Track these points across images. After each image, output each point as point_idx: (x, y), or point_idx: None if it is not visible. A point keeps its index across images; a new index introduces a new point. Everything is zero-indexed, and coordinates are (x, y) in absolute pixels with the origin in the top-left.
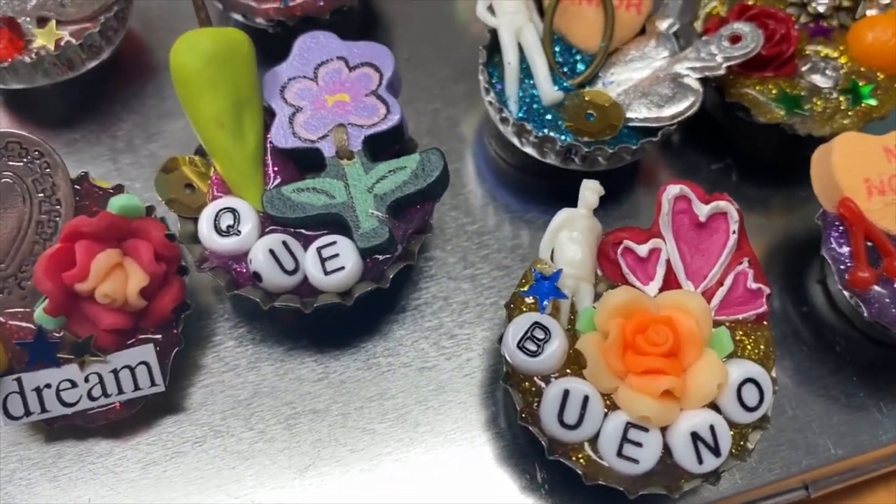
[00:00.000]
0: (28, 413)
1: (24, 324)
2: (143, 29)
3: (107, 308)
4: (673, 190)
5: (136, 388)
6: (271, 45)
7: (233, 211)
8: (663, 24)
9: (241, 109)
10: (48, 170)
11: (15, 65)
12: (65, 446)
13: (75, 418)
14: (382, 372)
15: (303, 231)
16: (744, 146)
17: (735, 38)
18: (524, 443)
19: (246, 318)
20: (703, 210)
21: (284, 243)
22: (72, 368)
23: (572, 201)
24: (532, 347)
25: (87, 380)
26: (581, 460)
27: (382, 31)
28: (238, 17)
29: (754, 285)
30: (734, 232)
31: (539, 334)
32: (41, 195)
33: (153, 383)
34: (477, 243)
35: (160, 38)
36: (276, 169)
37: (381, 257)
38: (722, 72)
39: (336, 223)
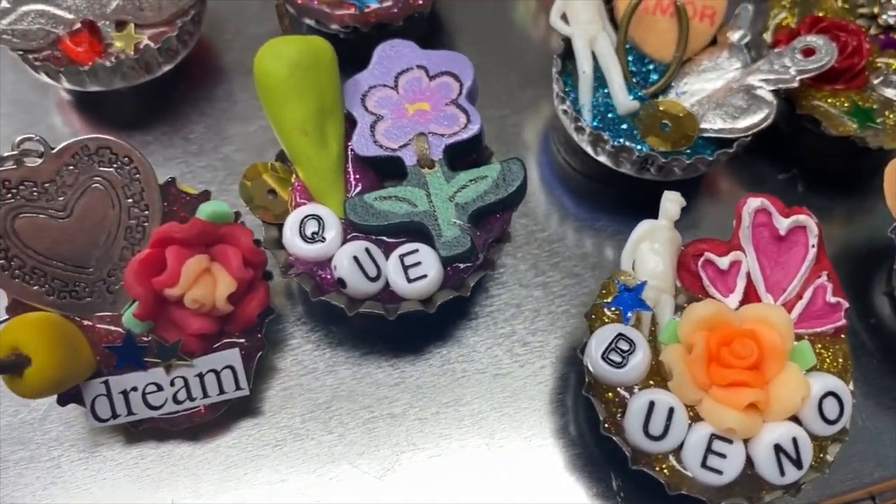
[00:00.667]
0: (115, 415)
1: (112, 327)
2: (210, 31)
3: (194, 313)
4: (754, 203)
5: (221, 391)
6: (342, 51)
7: (317, 218)
8: (735, 36)
9: (325, 117)
10: (137, 175)
11: (95, 68)
12: (147, 448)
13: (160, 421)
14: (457, 378)
15: (384, 238)
16: (810, 157)
17: (808, 51)
18: (598, 451)
19: (321, 322)
20: (783, 223)
21: (367, 250)
22: (158, 372)
23: (642, 209)
24: (616, 359)
25: (172, 383)
26: (665, 470)
27: (448, 37)
28: (311, 22)
29: (833, 299)
30: (813, 246)
31: (623, 346)
32: (130, 200)
33: (238, 387)
34: (547, 251)
35: (227, 40)
36: (357, 176)
37: (461, 265)
38: (795, 84)
39: (416, 231)
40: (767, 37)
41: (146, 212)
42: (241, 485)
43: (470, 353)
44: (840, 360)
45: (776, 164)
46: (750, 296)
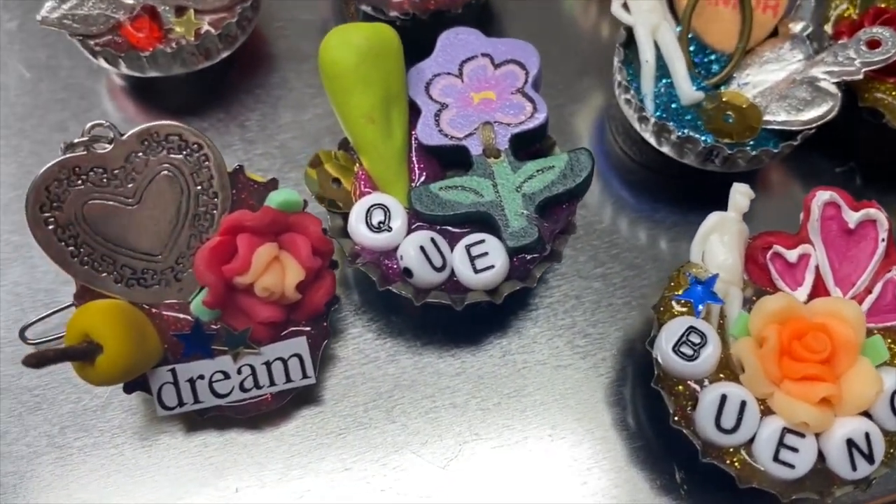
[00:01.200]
0: (181, 403)
1: (179, 315)
2: (261, 18)
3: (263, 301)
4: (823, 196)
5: (288, 380)
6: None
7: (383, 207)
8: (797, 27)
9: (390, 105)
10: (206, 163)
11: (155, 54)
12: (210, 436)
13: (226, 409)
14: (518, 369)
15: (448, 228)
16: (866, 149)
17: (873, 43)
18: (659, 443)
19: (381, 311)
20: (852, 217)
21: (433, 240)
22: (225, 360)
23: (701, 200)
24: (688, 352)
25: (239, 371)
26: (736, 463)
27: (502, 24)
28: (367, 9)
29: None
30: (883, 240)
31: (695, 339)
32: (199, 188)
33: (305, 375)
34: (606, 242)
35: (280, 26)
36: (420, 165)
37: (528, 256)
38: (860, 77)
39: (481, 221)
40: (828, 28)
41: (215, 199)
42: (306, 473)
43: (531, 345)
44: None
45: (832, 157)
46: (818, 289)
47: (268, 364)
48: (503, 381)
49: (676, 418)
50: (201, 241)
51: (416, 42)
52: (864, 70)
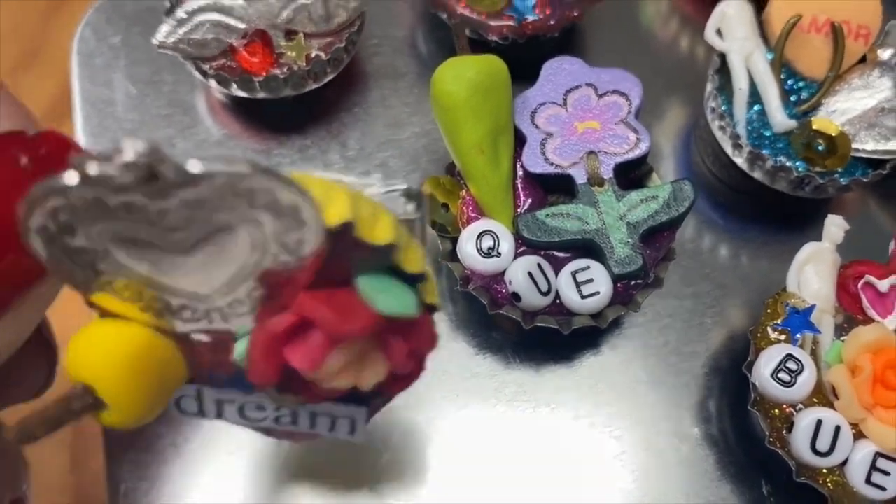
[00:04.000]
0: (202, 414)
1: (214, 340)
2: None
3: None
4: None
5: (332, 431)
6: None
7: (492, 233)
8: (885, 54)
9: (499, 135)
10: (300, 229)
11: (268, 79)
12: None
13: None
14: (613, 385)
15: (553, 253)
16: None
17: None
18: (747, 459)
19: (466, 326)
20: None
21: (539, 266)
22: (264, 397)
23: (789, 221)
24: (785, 378)
25: (277, 408)
26: (829, 484)
27: (594, 46)
28: (468, 33)
29: None
30: None
31: (792, 366)
32: (281, 249)
33: (352, 435)
34: (697, 262)
35: (375, 44)
36: (525, 192)
37: (632, 282)
38: None
39: (585, 248)
40: None
41: (299, 263)
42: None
43: (626, 362)
44: None
45: None
46: None
47: (314, 415)
48: (601, 396)
49: (772, 439)
50: (262, 295)
51: (516, 62)
52: None
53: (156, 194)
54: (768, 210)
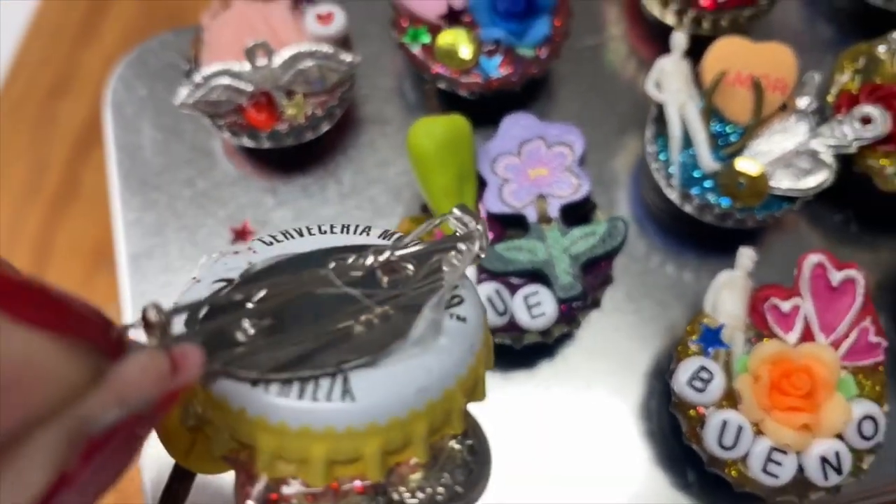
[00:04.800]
0: None
1: None
2: None
3: None
4: (813, 259)
5: None
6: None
7: None
8: (802, 102)
9: (463, 181)
10: None
11: (273, 132)
12: None
13: None
14: (565, 389)
15: (509, 280)
16: (861, 204)
17: (865, 120)
18: (679, 451)
19: None
20: (836, 277)
21: (497, 291)
22: None
23: (721, 245)
24: (699, 385)
25: None
26: (733, 472)
27: (555, 91)
28: (442, 86)
29: (874, 339)
30: (860, 295)
31: (705, 375)
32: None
33: None
34: (639, 281)
35: (365, 94)
36: (486, 229)
37: (573, 304)
38: (853, 150)
39: (534, 275)
40: (831, 98)
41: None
42: None
43: (575, 370)
44: (878, 388)
45: (832, 207)
46: (806, 334)
47: None
48: (554, 399)
49: (688, 436)
50: None
51: (484, 112)
52: (856, 145)
53: None
54: (703, 237)
